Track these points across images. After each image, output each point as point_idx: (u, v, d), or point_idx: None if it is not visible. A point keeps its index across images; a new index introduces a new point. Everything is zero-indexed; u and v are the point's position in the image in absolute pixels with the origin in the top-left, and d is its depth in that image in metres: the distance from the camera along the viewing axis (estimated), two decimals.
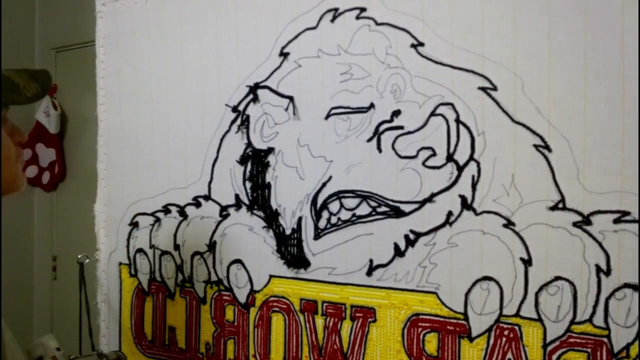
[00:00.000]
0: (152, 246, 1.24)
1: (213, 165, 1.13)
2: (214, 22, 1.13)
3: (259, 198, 1.08)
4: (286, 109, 1.03)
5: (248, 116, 1.08)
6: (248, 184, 1.08)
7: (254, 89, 1.07)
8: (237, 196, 1.10)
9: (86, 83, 1.37)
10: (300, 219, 1.03)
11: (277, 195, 1.05)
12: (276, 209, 1.06)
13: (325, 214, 1.00)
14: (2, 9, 1.84)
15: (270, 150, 1.05)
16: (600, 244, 0.78)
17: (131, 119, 1.27)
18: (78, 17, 1.79)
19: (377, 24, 0.93)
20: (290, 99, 1.02)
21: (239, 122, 1.10)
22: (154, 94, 1.23)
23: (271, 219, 1.06)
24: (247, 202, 1.09)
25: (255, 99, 1.07)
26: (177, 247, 1.20)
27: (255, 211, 1.09)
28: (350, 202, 0.97)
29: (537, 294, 0.82)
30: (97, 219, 1.33)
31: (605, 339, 0.78)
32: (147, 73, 1.24)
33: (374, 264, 0.95)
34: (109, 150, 1.32)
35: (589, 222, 0.78)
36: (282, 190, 1.05)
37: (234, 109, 1.10)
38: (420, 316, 0.91)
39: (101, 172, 1.33)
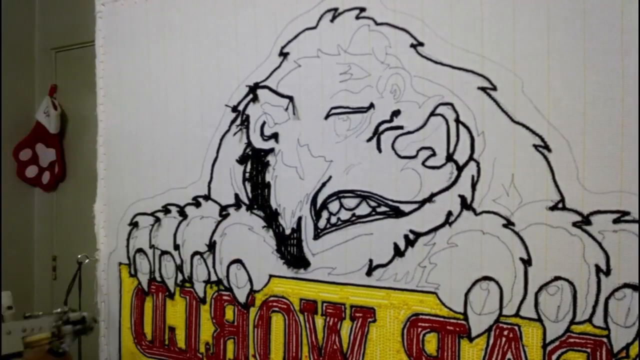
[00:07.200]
0: (152, 246, 1.24)
1: (213, 165, 1.13)
2: (213, 22, 1.13)
3: (258, 198, 1.08)
4: (286, 109, 1.03)
5: (248, 116, 1.08)
6: (248, 184, 1.08)
7: (253, 88, 1.07)
8: (236, 196, 1.10)
9: (86, 83, 1.37)
10: (300, 218, 1.03)
11: (277, 195, 1.05)
12: (276, 209, 1.06)
13: (325, 214, 1.00)
14: (2, 9, 1.84)
15: (270, 149, 1.05)
16: (599, 244, 0.78)
17: (131, 119, 1.27)
18: (78, 17, 1.79)
19: (376, 23, 0.94)
20: (290, 98, 1.02)
21: (238, 121, 1.10)
22: (153, 94, 1.23)
23: (271, 218, 1.06)
24: (246, 201, 1.09)
25: (255, 99, 1.07)
26: (177, 247, 1.20)
27: (255, 211, 1.09)
28: (350, 202, 0.97)
29: (536, 294, 0.82)
30: (97, 219, 1.33)
31: (604, 339, 0.78)
32: (147, 73, 1.24)
33: (374, 264, 0.95)
34: (109, 150, 1.32)
35: (588, 222, 0.78)
36: (282, 190, 1.05)
37: (234, 109, 1.10)
38: (420, 316, 0.91)
39: (101, 172, 1.33)
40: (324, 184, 1.00)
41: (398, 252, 0.93)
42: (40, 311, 1.09)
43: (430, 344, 0.90)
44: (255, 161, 1.07)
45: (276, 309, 1.06)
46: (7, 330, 0.98)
